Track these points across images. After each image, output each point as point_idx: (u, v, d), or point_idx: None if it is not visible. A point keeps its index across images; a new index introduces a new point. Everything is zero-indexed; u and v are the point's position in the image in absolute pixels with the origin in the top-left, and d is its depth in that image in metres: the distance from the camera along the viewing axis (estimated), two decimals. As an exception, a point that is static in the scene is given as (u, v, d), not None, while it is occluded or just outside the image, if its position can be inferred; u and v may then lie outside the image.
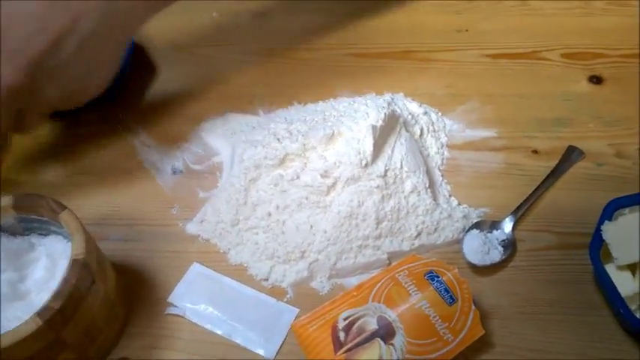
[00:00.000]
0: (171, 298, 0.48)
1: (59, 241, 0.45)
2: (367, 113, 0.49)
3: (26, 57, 0.42)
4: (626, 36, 0.63)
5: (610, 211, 0.46)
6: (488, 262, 0.47)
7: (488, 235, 0.49)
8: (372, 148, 0.47)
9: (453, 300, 0.43)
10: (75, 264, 0.40)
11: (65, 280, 0.39)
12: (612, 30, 0.64)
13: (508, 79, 0.61)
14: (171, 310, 0.47)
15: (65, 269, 0.40)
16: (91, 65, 0.47)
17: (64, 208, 0.43)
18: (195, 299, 0.47)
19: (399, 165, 0.49)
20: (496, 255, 0.48)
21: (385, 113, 0.49)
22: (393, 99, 0.55)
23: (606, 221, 0.45)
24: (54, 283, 0.40)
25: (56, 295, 0.39)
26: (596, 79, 0.61)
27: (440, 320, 0.42)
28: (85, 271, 0.40)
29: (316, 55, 0.65)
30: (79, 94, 0.48)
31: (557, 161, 0.54)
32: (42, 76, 0.44)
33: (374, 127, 0.48)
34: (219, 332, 0.46)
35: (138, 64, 0.64)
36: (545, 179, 0.52)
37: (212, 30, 0.68)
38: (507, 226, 0.50)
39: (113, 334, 0.45)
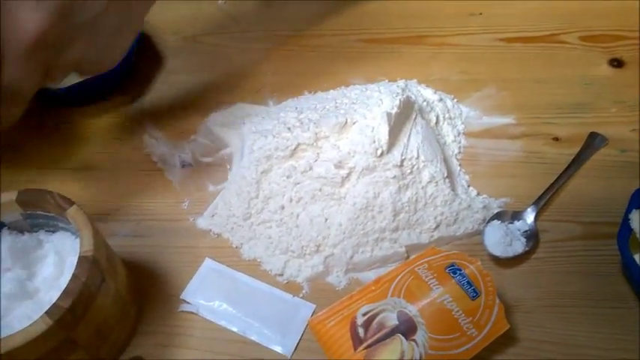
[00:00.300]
0: (184, 295, 0.46)
1: (67, 238, 0.44)
2: (381, 100, 0.47)
3: (56, 6, 0.40)
4: (630, 20, 0.61)
5: (638, 200, 0.44)
6: (511, 254, 0.46)
7: (510, 226, 0.48)
8: (387, 136, 0.46)
9: (476, 294, 0.41)
10: (84, 261, 0.39)
11: (74, 278, 0.38)
12: (631, 11, 0.62)
13: (524, 63, 0.60)
14: (184, 308, 0.46)
15: (74, 266, 0.38)
16: (122, 22, 0.45)
17: (72, 203, 0.41)
18: (209, 296, 0.46)
19: (415, 154, 0.47)
20: (519, 246, 0.46)
21: (400, 100, 0.47)
22: (407, 85, 0.53)
23: (634, 210, 0.44)
24: (63, 281, 0.39)
25: (66, 294, 0.38)
26: (617, 62, 0.59)
27: (463, 315, 0.41)
28: (94, 268, 0.39)
29: (326, 41, 0.63)
30: (105, 56, 0.46)
31: (578, 148, 0.52)
32: (71, 29, 0.42)
33: (389, 115, 0.46)
34: (234, 329, 0.45)
35: (143, 54, 0.62)
36: (567, 167, 0.51)
37: (218, 18, 0.66)
38: (529, 216, 0.48)
39: (125, 332, 0.44)
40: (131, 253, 0.49)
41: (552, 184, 0.49)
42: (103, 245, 0.42)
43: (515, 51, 0.61)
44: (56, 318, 0.37)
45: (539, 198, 0.49)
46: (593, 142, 0.53)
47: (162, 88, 0.60)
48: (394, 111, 0.46)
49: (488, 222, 0.48)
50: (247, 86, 0.59)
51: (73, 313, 0.38)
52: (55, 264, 0.43)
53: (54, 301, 0.37)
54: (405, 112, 0.49)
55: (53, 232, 0.45)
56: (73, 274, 0.38)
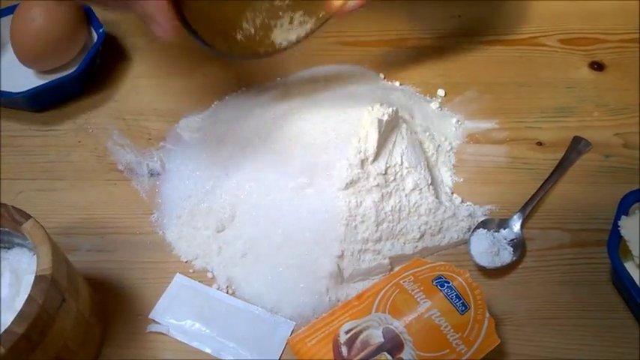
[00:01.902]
0: (153, 314, 0.43)
1: (24, 255, 0.41)
2: (371, 107, 0.44)
3: None
4: (625, 20, 0.61)
5: (626, 206, 0.43)
6: (498, 264, 0.44)
7: (496, 234, 0.46)
8: (375, 145, 0.43)
9: (465, 307, 0.39)
10: (41, 280, 0.35)
11: (30, 300, 0.35)
12: (611, 14, 0.62)
13: (505, 66, 0.58)
14: (153, 328, 0.43)
15: (30, 286, 0.35)
16: None
17: (28, 217, 0.38)
18: (180, 314, 0.43)
19: (399, 161, 0.45)
20: (506, 256, 0.45)
21: (393, 109, 0.45)
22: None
23: (623, 216, 0.42)
24: (19, 302, 0.36)
25: (20, 318, 0.34)
26: (597, 66, 0.58)
27: (452, 330, 0.38)
28: (52, 289, 0.36)
29: (304, 44, 0.60)
30: None
31: (562, 153, 0.51)
32: None
33: (380, 122, 0.43)
34: (207, 350, 0.42)
35: (109, 55, 0.59)
36: (552, 173, 0.49)
37: (188, 19, 0.63)
38: (516, 224, 0.46)
39: (89, 356, 0.41)
40: (95, 269, 0.45)
41: (538, 191, 0.48)
42: (64, 262, 0.38)
43: (496, 54, 0.59)
44: (9, 345, 0.33)
45: (526, 205, 0.47)
46: (577, 146, 0.51)
47: (129, 91, 0.57)
48: (385, 118, 0.44)
49: (474, 231, 0.46)
50: (217, 90, 0.56)
51: (28, 339, 0.34)
52: (10, 284, 0.39)
53: (7, 326, 0.34)
54: (393, 117, 0.47)
55: (8, 248, 0.41)
56: (29, 296, 0.35)
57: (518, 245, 0.45)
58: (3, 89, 0.53)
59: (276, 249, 0.44)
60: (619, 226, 0.42)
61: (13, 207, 0.39)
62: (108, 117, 0.55)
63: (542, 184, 0.48)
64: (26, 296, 0.35)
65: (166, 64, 0.59)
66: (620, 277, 0.41)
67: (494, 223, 0.47)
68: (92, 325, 0.41)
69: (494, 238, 0.45)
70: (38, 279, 0.36)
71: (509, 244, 0.45)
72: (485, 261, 0.44)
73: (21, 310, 0.34)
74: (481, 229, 0.46)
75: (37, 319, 0.34)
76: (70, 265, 0.40)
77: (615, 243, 0.42)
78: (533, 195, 0.48)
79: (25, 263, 0.41)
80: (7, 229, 0.39)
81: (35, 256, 0.37)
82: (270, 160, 0.46)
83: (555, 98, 0.55)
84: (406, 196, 0.45)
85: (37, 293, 0.35)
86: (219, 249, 0.45)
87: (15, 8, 0.56)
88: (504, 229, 0.46)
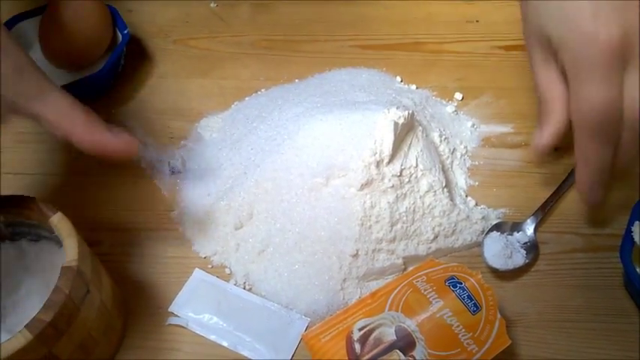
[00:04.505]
0: (173, 308, 0.44)
1: (51, 247, 0.42)
2: (387, 109, 0.45)
3: None
4: None
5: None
6: (511, 267, 0.45)
7: (509, 237, 0.46)
8: (391, 148, 0.44)
9: (477, 308, 0.40)
10: (67, 272, 0.37)
11: (57, 290, 0.36)
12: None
13: (522, 71, 0.58)
14: (173, 321, 0.44)
15: (57, 277, 0.37)
16: None
17: (56, 210, 0.40)
18: (199, 308, 0.44)
19: (414, 163, 0.46)
20: (519, 259, 0.45)
21: (409, 112, 0.45)
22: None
23: (636, 222, 0.43)
24: (47, 293, 0.37)
25: (47, 307, 0.36)
26: (614, 72, 0.58)
27: (463, 330, 0.39)
28: (78, 280, 0.37)
29: (321, 47, 0.62)
30: None
31: (578, 158, 0.51)
32: None
33: (395, 124, 0.44)
34: (224, 344, 0.43)
35: (133, 56, 0.61)
36: (567, 177, 0.49)
37: (210, 21, 0.64)
38: (529, 228, 0.47)
39: (110, 346, 0.42)
40: (117, 262, 0.47)
41: (552, 195, 0.48)
42: (89, 255, 0.40)
43: (514, 59, 0.60)
44: (36, 332, 0.35)
45: (539, 209, 0.48)
46: (592, 152, 0.52)
47: (152, 91, 0.59)
48: (401, 121, 0.45)
49: (487, 233, 0.46)
50: (239, 91, 0.58)
51: (54, 327, 0.36)
52: (38, 275, 0.41)
53: (35, 314, 0.35)
54: (409, 120, 0.47)
55: (36, 241, 0.43)
56: (56, 286, 0.36)
57: (531, 248, 0.46)
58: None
59: (292, 247, 0.45)
60: (632, 232, 0.42)
61: (41, 201, 0.40)
62: (131, 116, 0.56)
63: (557, 189, 0.49)
64: (53, 287, 0.36)
65: (188, 65, 0.61)
66: (632, 282, 0.41)
67: (508, 227, 0.47)
68: (114, 317, 0.42)
69: (507, 240, 0.46)
70: (65, 270, 0.37)
71: (522, 247, 0.46)
72: (498, 263, 0.45)
73: (48, 299, 0.36)
74: (494, 232, 0.46)
75: (63, 308, 0.36)
76: (94, 258, 0.41)
77: (628, 248, 0.42)
78: (548, 199, 0.48)
79: (52, 256, 0.42)
80: (35, 222, 0.41)
81: (61, 248, 0.39)
82: (288, 160, 0.47)
83: (571, 103, 0.56)
84: (420, 197, 0.46)
85: (64, 283, 0.36)
86: (237, 246, 0.47)
87: (41, 10, 0.57)
88: (518, 232, 0.47)
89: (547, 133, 0.43)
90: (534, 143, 0.44)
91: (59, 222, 0.39)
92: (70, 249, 0.38)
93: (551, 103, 0.42)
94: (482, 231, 0.47)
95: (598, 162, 0.41)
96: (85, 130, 0.36)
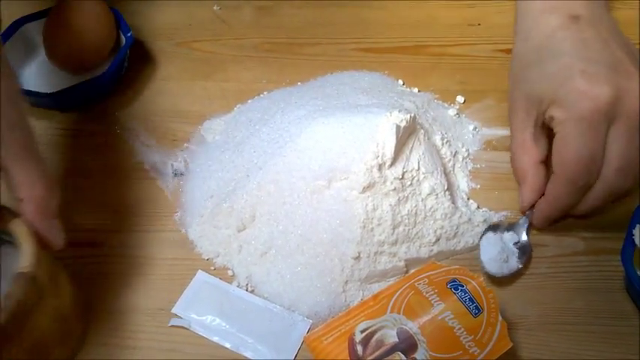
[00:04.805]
0: (176, 309, 0.45)
1: (12, 252, 0.40)
2: (389, 112, 0.45)
3: None
4: (631, 30, 0.61)
5: (641, 215, 0.43)
6: (506, 272, 0.45)
7: (504, 237, 0.47)
8: (393, 150, 0.44)
9: (478, 311, 0.40)
10: (19, 277, 0.36)
11: (8, 295, 0.36)
12: (631, 22, 0.62)
13: (524, 75, 0.59)
14: (176, 322, 0.44)
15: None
16: None
17: (16, 216, 0.39)
18: (201, 310, 0.44)
19: (416, 166, 0.46)
20: (514, 263, 0.45)
21: (411, 115, 0.46)
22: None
23: (637, 225, 0.43)
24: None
25: None
26: (616, 75, 0.58)
27: (465, 332, 0.39)
28: (31, 285, 0.37)
29: (323, 50, 0.62)
30: None
31: (579, 161, 0.51)
32: None
33: (397, 128, 0.44)
34: (227, 345, 0.43)
35: (136, 59, 0.61)
36: (567, 180, 0.50)
37: (213, 24, 0.65)
38: (521, 228, 0.47)
39: (67, 353, 0.42)
40: (121, 264, 0.47)
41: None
42: (47, 261, 0.39)
43: (515, 62, 0.60)
44: None
45: (530, 209, 0.48)
46: (593, 155, 0.52)
47: (155, 94, 0.59)
48: (403, 124, 0.45)
49: (482, 235, 0.47)
50: (241, 93, 0.58)
51: (4, 332, 0.35)
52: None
53: None
54: (411, 123, 0.47)
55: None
56: (7, 292, 0.36)
57: (524, 249, 0.46)
58: (33, 90, 0.55)
59: (294, 249, 0.45)
60: (633, 235, 0.42)
61: (4, 205, 0.39)
62: (135, 118, 0.57)
63: (558, 192, 0.49)
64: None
65: (191, 68, 0.61)
66: (633, 285, 0.42)
67: (504, 227, 0.47)
68: (72, 322, 0.42)
69: (504, 244, 0.46)
70: (18, 275, 0.36)
71: (515, 246, 0.46)
72: (494, 268, 0.45)
73: None
74: (490, 232, 0.47)
75: (14, 314, 0.35)
76: (55, 265, 0.41)
77: (629, 251, 0.42)
78: (546, 200, 0.48)
79: (12, 260, 0.40)
80: None
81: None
82: (290, 162, 0.47)
83: (573, 107, 0.56)
84: (422, 200, 0.46)
85: (15, 289, 0.36)
86: (240, 248, 0.47)
87: (46, 12, 0.58)
88: (508, 231, 0.47)
89: (526, 198, 0.47)
90: (520, 206, 0.48)
91: (16, 227, 0.38)
92: (24, 255, 0.37)
93: (526, 170, 0.47)
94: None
95: (565, 204, 0.45)
96: (37, 209, 0.38)
